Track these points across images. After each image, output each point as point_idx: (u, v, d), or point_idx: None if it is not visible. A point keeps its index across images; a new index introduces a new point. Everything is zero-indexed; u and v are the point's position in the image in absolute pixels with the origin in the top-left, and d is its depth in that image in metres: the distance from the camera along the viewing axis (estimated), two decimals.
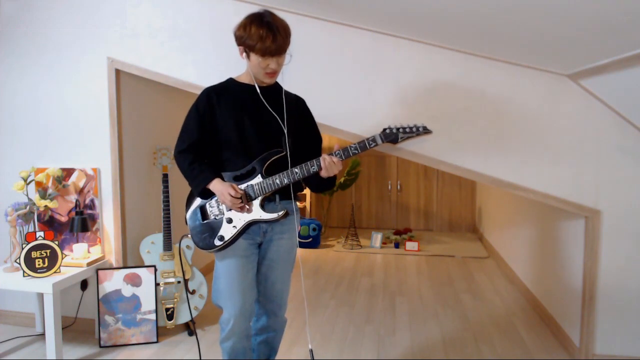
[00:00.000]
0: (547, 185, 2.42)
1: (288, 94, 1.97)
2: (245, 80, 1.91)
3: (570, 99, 2.37)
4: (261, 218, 1.85)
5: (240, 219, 1.85)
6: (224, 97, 1.87)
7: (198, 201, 1.91)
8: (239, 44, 1.80)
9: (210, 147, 1.89)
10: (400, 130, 1.84)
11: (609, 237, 2.42)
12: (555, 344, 2.78)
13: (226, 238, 1.84)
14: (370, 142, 1.82)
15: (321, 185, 1.95)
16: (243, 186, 1.84)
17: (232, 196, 1.78)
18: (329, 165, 1.79)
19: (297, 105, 1.99)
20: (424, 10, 2.01)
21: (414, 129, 1.85)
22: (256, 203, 1.85)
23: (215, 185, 1.82)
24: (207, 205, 1.89)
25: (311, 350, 2.05)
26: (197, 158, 1.86)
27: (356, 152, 1.81)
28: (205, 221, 1.88)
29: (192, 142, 1.86)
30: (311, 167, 1.81)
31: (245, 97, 1.88)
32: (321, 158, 1.81)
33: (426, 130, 1.85)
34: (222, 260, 1.90)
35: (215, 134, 1.87)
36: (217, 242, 1.84)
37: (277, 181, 1.82)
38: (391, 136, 1.83)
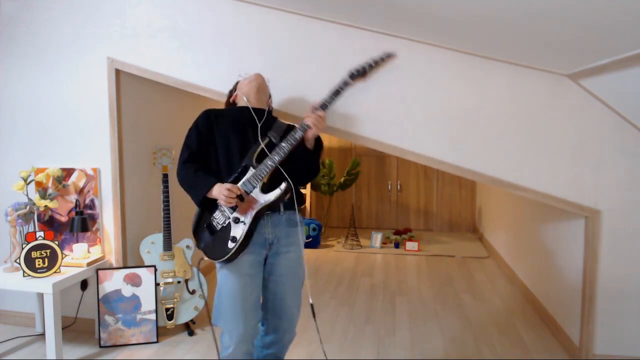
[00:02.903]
0: (547, 185, 2.42)
1: (281, 123, 2.03)
2: (241, 103, 2.05)
3: (570, 99, 2.37)
4: (265, 202, 1.84)
5: (247, 214, 1.85)
6: (221, 116, 1.99)
7: (204, 220, 1.94)
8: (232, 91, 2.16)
9: (207, 159, 1.97)
10: (366, 65, 2.00)
11: (609, 237, 2.42)
12: (555, 344, 2.78)
13: (238, 237, 1.83)
14: (341, 86, 1.99)
15: (307, 158, 1.98)
16: (240, 185, 1.86)
17: (228, 190, 1.79)
18: (316, 121, 1.90)
19: (291, 127, 2.02)
20: (423, 10, 2.01)
21: (378, 59, 2.02)
22: (256, 192, 1.86)
23: (215, 190, 1.85)
24: (212, 220, 1.91)
25: (312, 305, 2.05)
26: (200, 168, 1.93)
27: (333, 98, 1.97)
28: (214, 235, 1.90)
29: (194, 153, 1.94)
30: (295, 134, 1.88)
31: (240, 114, 2.00)
32: (305, 116, 1.92)
33: (389, 55, 2.02)
34: (225, 278, 1.88)
35: (213, 147, 1.95)
36: (231, 245, 1.83)
37: (269, 162, 1.84)
38: (358, 69, 2.00)
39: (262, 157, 1.87)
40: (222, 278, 1.90)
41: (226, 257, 1.83)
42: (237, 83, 2.16)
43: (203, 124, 1.96)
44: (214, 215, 1.91)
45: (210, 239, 1.90)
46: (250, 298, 1.88)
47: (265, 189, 1.86)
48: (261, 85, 2.05)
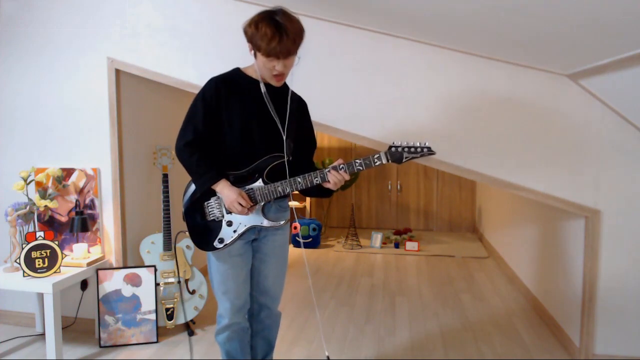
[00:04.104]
0: (547, 185, 2.42)
1: (293, 94, 1.95)
2: (252, 74, 1.86)
3: (570, 99, 2.37)
4: (262, 225, 1.86)
5: (241, 223, 1.84)
6: (232, 90, 1.82)
7: (197, 197, 1.88)
8: (248, 41, 1.78)
9: (212, 140, 1.83)
10: (406, 150, 1.82)
11: (609, 237, 2.42)
12: (555, 344, 2.78)
13: (226, 241, 1.84)
14: (375, 160, 1.81)
15: (319, 194, 1.95)
16: (245, 190, 1.83)
17: (242, 206, 1.77)
18: (338, 181, 1.79)
19: (300, 107, 1.99)
20: (423, 10, 2.01)
21: (419, 150, 1.83)
22: (257, 208, 1.85)
23: (223, 189, 1.79)
24: (206, 205, 1.87)
25: (328, 357, 2.08)
26: (204, 153, 1.81)
27: (360, 168, 1.80)
28: (203, 221, 1.87)
29: (199, 134, 1.80)
30: (314, 178, 1.80)
31: (253, 93, 1.84)
32: (328, 172, 1.79)
33: (430, 152, 1.84)
34: (216, 258, 1.90)
35: (219, 127, 1.82)
36: (218, 245, 1.84)
37: (279, 189, 1.81)
38: (396, 155, 1.81)
39: (270, 169, 1.84)
40: (213, 256, 1.90)
41: (210, 252, 1.87)
42: (254, 27, 1.72)
43: (212, 96, 1.79)
44: (209, 201, 1.86)
45: (198, 222, 1.87)
46: (241, 274, 1.93)
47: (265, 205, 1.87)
48: (284, 75, 1.82)
